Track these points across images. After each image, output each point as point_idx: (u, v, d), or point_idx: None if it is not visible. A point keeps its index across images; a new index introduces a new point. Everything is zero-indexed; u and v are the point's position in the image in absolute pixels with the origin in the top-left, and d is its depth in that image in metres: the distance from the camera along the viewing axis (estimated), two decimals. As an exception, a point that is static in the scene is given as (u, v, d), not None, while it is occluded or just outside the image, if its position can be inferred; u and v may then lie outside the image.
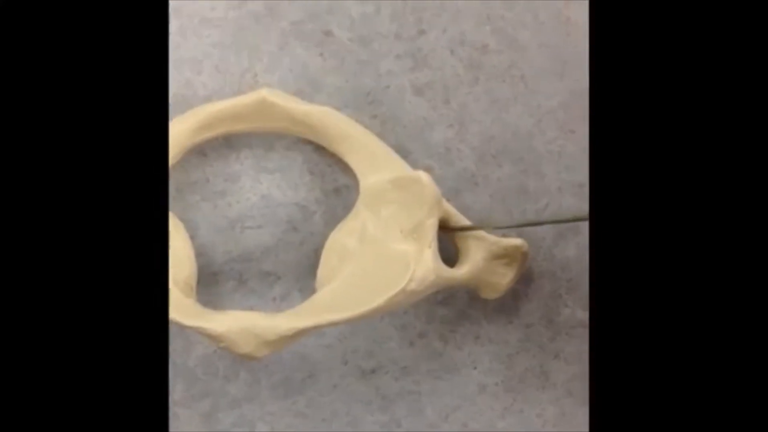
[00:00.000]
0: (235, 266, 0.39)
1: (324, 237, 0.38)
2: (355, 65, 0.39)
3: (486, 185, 0.39)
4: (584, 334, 0.39)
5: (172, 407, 0.39)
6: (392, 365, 0.39)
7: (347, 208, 0.38)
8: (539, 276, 0.39)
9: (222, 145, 0.39)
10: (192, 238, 0.38)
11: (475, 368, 0.39)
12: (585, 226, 0.39)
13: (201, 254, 0.38)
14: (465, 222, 0.37)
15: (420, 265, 0.34)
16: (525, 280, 0.39)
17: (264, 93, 0.37)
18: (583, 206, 0.39)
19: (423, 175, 0.34)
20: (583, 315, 0.39)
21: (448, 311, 0.39)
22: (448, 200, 0.37)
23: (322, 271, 0.37)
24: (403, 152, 0.39)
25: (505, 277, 0.37)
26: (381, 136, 0.38)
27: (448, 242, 0.37)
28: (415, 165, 0.38)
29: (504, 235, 0.37)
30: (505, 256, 0.37)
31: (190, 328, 0.33)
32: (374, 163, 0.37)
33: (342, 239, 0.37)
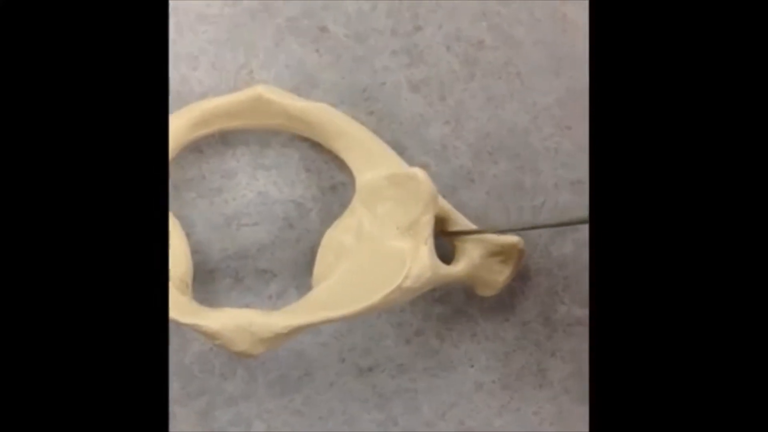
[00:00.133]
0: (231, 263, 0.39)
1: (320, 234, 0.38)
2: (351, 61, 0.39)
3: (482, 182, 0.39)
4: (581, 331, 0.39)
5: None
6: (389, 363, 0.39)
7: (343, 205, 0.38)
8: (536, 273, 0.39)
9: (218, 141, 0.39)
10: (188, 235, 0.38)
11: (471, 366, 0.39)
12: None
13: (197, 251, 0.38)
14: (461, 219, 0.37)
15: (416, 262, 0.34)
16: (522, 277, 0.39)
17: (260, 89, 0.37)
18: (580, 203, 0.39)
19: (419, 172, 0.34)
20: (580, 312, 0.39)
21: (445, 309, 0.39)
22: (444, 197, 0.37)
23: (318, 269, 0.37)
24: (399, 149, 0.38)
25: (501, 275, 0.37)
26: (377, 132, 0.38)
27: (444, 239, 0.37)
28: (411, 162, 0.38)
29: (500, 233, 0.37)
30: (501, 253, 0.37)
31: (186, 325, 0.33)
32: (370, 159, 0.37)
33: (338, 236, 0.37)
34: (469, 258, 0.37)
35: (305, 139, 0.39)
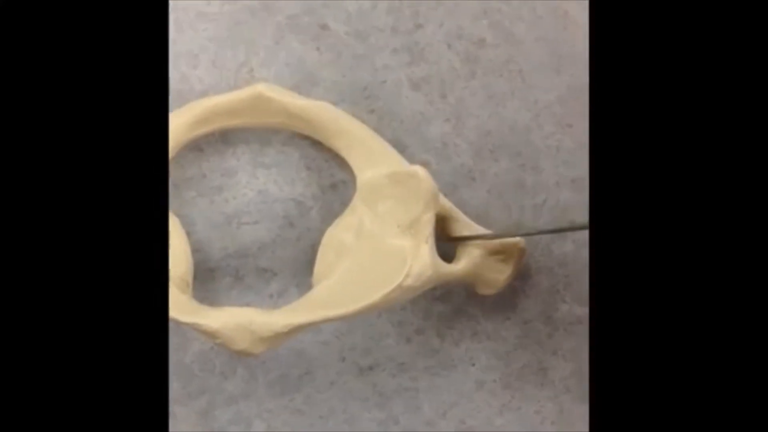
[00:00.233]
0: (232, 262, 0.39)
1: (321, 233, 0.38)
2: (352, 59, 0.39)
3: (483, 180, 0.39)
4: (582, 330, 0.39)
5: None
6: (389, 362, 0.39)
7: (344, 203, 0.38)
8: (537, 272, 0.39)
9: (218, 140, 0.39)
10: (188, 233, 0.38)
11: (472, 365, 0.39)
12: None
13: (197, 250, 0.38)
14: (462, 217, 0.37)
15: (417, 260, 0.34)
16: (522, 276, 0.39)
17: (260, 88, 0.37)
18: (581, 201, 0.39)
19: (420, 170, 0.34)
20: (581, 311, 0.39)
21: (446, 308, 0.39)
22: (445, 195, 0.37)
23: (318, 267, 0.37)
24: (400, 147, 0.38)
25: (502, 274, 0.37)
26: (378, 130, 0.38)
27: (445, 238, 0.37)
28: (411, 160, 0.38)
29: (502, 238, 0.37)
30: (502, 252, 0.37)
31: (186, 324, 0.33)
32: (371, 158, 0.37)
33: (339, 235, 0.37)
34: (470, 257, 0.37)
35: (305, 138, 0.39)
